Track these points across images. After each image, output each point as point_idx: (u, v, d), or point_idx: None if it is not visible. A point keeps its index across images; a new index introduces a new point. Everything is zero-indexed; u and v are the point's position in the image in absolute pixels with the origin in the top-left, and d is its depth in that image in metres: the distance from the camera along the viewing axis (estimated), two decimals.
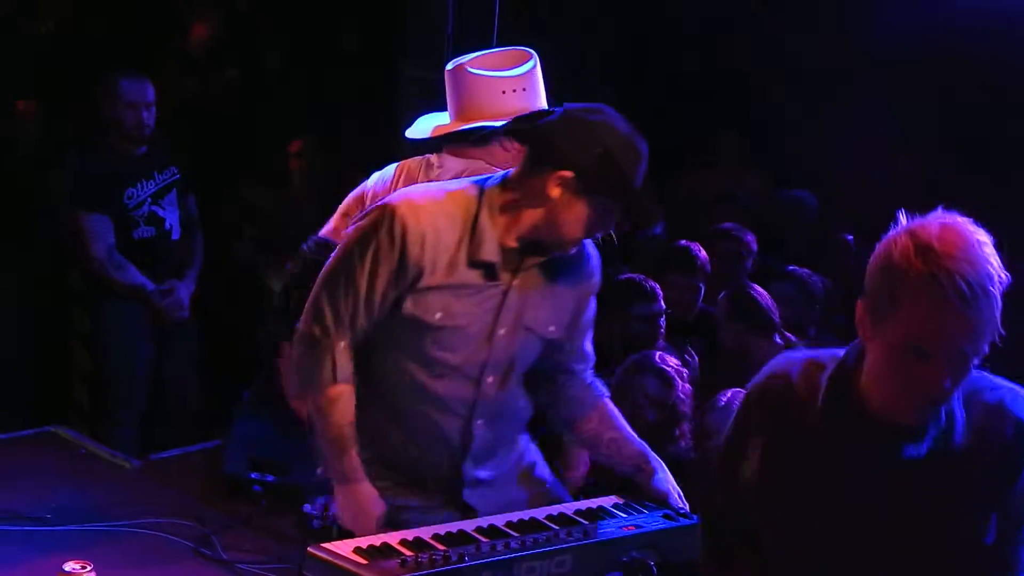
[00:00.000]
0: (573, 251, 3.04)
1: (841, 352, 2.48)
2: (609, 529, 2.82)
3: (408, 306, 2.98)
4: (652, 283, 5.21)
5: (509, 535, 2.76)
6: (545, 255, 3.02)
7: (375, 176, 3.70)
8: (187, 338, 5.83)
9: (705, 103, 7.37)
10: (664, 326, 5.21)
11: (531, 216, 2.95)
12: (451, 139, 3.56)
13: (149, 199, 5.65)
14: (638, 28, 7.56)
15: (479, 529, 2.82)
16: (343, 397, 3.03)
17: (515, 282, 3.02)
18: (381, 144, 3.72)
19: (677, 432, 4.37)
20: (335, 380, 3.02)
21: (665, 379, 4.43)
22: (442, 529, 2.79)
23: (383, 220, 2.94)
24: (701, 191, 7.33)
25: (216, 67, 7.50)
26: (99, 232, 5.52)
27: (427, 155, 3.61)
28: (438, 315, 2.98)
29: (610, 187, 2.90)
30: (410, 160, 3.63)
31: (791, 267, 5.75)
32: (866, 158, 6.82)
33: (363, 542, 2.70)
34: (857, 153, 6.80)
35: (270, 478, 4.52)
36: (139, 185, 5.62)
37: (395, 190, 3.48)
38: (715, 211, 6.84)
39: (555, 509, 2.93)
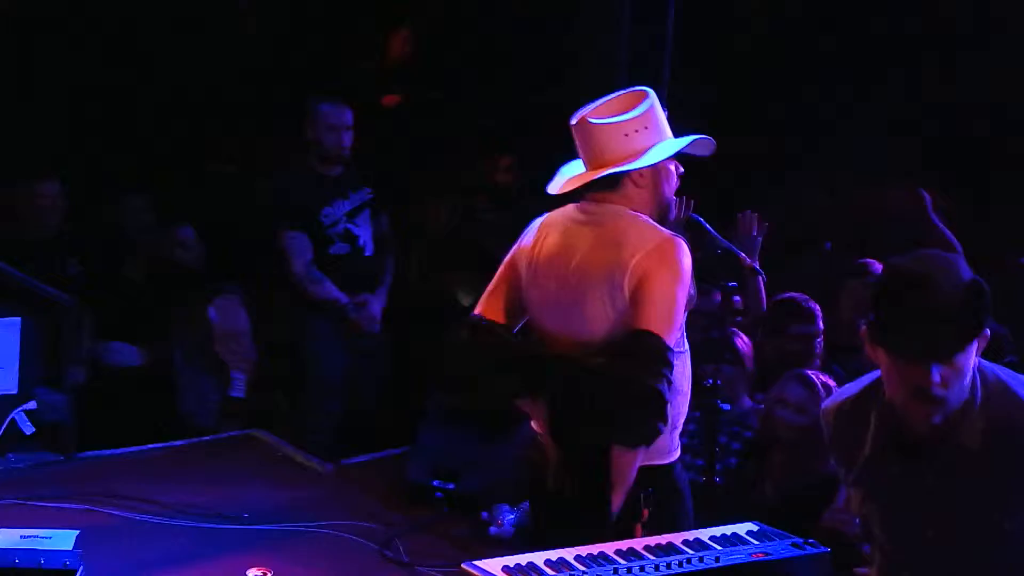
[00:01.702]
0: None
1: None
2: (738, 556, 2.97)
3: None
4: (811, 303, 5.14)
5: (644, 557, 2.95)
6: None
7: (523, 237, 3.75)
8: (378, 350, 6.04)
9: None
10: (821, 347, 5.12)
11: None
12: (588, 188, 3.62)
13: (344, 217, 5.90)
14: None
15: (619, 552, 3.00)
16: None
17: None
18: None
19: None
20: None
21: (810, 387, 4.47)
22: (584, 550, 2.97)
23: None
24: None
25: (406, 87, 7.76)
26: (298, 249, 5.80)
27: (569, 205, 3.67)
28: None
29: None
30: (554, 213, 3.70)
31: None
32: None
33: (511, 560, 2.91)
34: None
35: (451, 486, 4.77)
36: (335, 204, 5.88)
37: (542, 245, 3.62)
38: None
39: (692, 534, 3.09)
